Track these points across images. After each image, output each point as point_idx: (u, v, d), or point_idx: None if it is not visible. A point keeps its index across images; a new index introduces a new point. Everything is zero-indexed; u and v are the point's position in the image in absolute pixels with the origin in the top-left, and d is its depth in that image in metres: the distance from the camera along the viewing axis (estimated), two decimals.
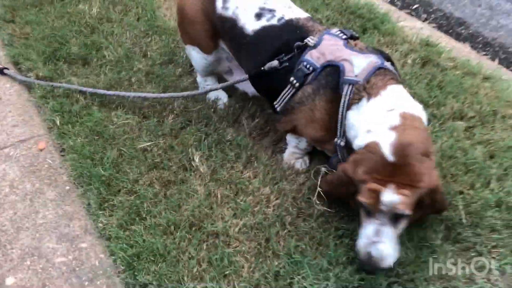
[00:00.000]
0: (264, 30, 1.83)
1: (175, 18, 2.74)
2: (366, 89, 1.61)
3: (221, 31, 1.98)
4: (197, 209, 1.75)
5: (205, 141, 2.01)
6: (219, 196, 1.81)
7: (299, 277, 1.55)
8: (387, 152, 1.45)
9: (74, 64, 2.45)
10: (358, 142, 1.57)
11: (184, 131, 2.06)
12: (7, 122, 2.26)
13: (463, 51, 2.74)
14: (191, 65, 2.40)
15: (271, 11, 1.84)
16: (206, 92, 2.16)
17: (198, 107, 2.17)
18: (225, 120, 2.12)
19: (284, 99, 1.78)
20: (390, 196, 1.43)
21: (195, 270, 1.59)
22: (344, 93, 1.62)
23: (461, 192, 1.83)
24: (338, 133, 1.68)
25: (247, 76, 1.91)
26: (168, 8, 2.89)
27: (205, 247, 1.66)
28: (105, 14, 2.79)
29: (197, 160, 1.93)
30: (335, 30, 1.80)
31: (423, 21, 3.15)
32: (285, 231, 1.69)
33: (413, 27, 2.85)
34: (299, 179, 1.87)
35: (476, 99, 2.26)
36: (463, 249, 1.67)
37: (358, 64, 1.64)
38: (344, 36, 1.76)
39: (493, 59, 2.84)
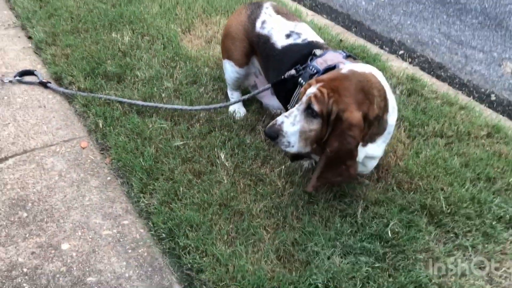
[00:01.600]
0: (290, 46, 2.31)
1: (197, 48, 3.26)
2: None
3: (256, 47, 2.45)
4: (225, 193, 2.14)
5: (228, 142, 2.43)
6: (242, 184, 2.21)
7: (312, 243, 1.94)
8: (347, 71, 1.91)
9: (111, 80, 2.89)
10: None
11: (210, 134, 2.49)
12: (52, 125, 2.66)
13: (443, 87, 3.28)
14: (213, 84, 2.87)
15: (298, 33, 2.34)
16: (231, 104, 2.60)
17: (220, 117, 2.61)
18: (243, 128, 2.55)
19: (294, 99, 2.19)
20: (312, 89, 1.87)
21: (226, 237, 1.97)
22: None
23: (442, 189, 2.26)
24: None
25: (269, 85, 2.37)
26: (189, 41, 3.39)
27: (233, 222, 2.04)
28: (135, 42, 3.27)
29: (222, 157, 2.34)
30: (339, 51, 2.25)
31: (409, 63, 3.72)
32: (299, 211, 2.09)
33: (400, 66, 3.40)
34: (309, 175, 2.28)
35: (453, 122, 2.75)
36: (443, 231, 2.08)
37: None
38: (345, 54, 2.20)
39: (468, 96, 3.39)
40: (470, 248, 2.02)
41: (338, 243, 1.95)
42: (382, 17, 4.46)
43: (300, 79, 2.16)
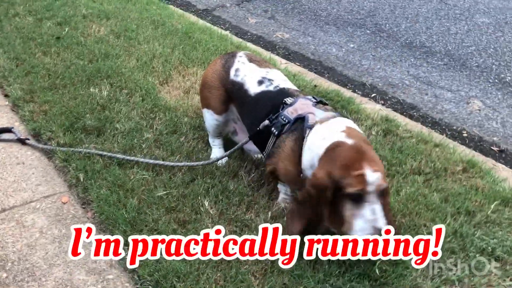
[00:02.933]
0: (262, 94, 2.41)
1: (175, 99, 3.33)
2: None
3: (231, 94, 2.55)
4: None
5: (212, 190, 2.45)
6: (227, 231, 2.22)
7: (301, 287, 1.94)
8: (351, 142, 1.91)
9: (91, 134, 2.91)
10: (319, 150, 1.98)
11: (193, 182, 2.51)
12: (31, 181, 2.64)
13: (416, 126, 3.42)
14: (194, 133, 2.93)
15: (270, 80, 2.45)
16: (217, 160, 2.62)
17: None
18: (226, 175, 2.59)
19: (269, 147, 2.29)
20: (372, 175, 1.81)
21: (214, 286, 1.95)
22: (306, 135, 2.10)
23: (424, 225, 2.32)
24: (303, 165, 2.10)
25: (247, 139, 2.46)
26: (167, 92, 3.47)
27: (220, 268, 2.03)
28: (113, 96, 3.33)
29: (206, 204, 2.36)
30: (309, 96, 2.35)
31: (381, 105, 3.87)
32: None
33: (374, 108, 3.53)
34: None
35: (430, 159, 2.86)
36: (429, 267, 2.12)
37: (319, 114, 2.17)
38: (315, 101, 2.29)
39: (441, 134, 3.53)
40: (456, 282, 2.05)
41: (327, 285, 1.96)
42: (352, 62, 4.67)
43: (272, 128, 2.25)
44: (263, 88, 2.42)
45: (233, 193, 2.44)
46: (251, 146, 2.61)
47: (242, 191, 2.46)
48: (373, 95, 4.10)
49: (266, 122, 2.29)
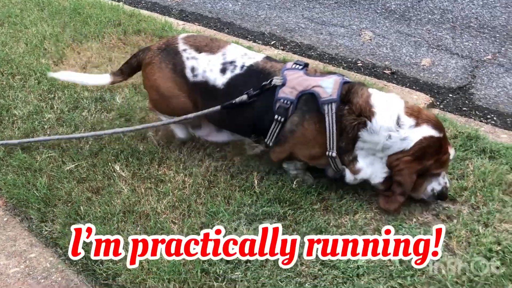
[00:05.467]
0: (232, 80, 2.20)
1: None
2: (359, 112, 2.02)
3: (195, 95, 2.30)
4: (127, 200, 2.21)
5: (121, 154, 2.50)
6: (142, 189, 2.30)
7: (218, 221, 2.08)
8: (437, 134, 2.02)
9: None
10: (396, 148, 2.02)
11: (101, 151, 2.53)
12: None
13: (313, 63, 3.61)
14: (96, 106, 2.92)
15: (231, 62, 2.22)
16: (163, 124, 2.45)
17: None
18: (134, 138, 2.64)
19: (274, 135, 2.14)
20: (452, 153, 2.10)
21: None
22: (326, 112, 2.00)
23: None
24: (329, 146, 2.05)
25: (218, 107, 2.21)
26: (64, 71, 3.39)
27: (140, 224, 2.12)
28: (6, 83, 3.21)
29: (118, 168, 2.41)
30: (290, 65, 2.18)
31: (282, 50, 4.03)
32: (201, 197, 2.23)
33: (273, 53, 3.68)
34: (205, 163, 2.42)
35: None
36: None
37: (327, 85, 2.04)
38: (300, 67, 2.15)
39: (338, 66, 3.76)
40: (359, 189, 2.28)
41: (242, 215, 2.12)
42: (250, 14, 4.77)
43: (276, 116, 2.10)
44: (229, 75, 2.22)
45: (143, 154, 2.50)
46: (218, 137, 2.49)
47: (152, 149, 2.53)
48: (273, 42, 4.24)
49: (245, 96, 2.13)
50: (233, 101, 2.15)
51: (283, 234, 2.03)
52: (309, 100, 2.05)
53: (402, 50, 3.97)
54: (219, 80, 2.23)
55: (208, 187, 2.29)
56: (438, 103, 3.32)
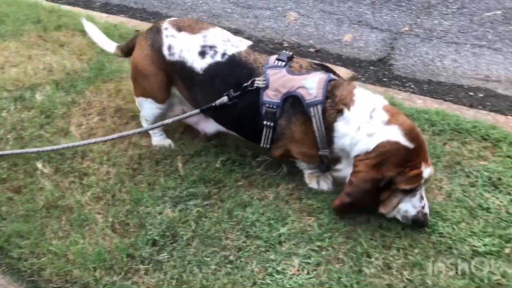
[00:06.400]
0: (212, 68, 2.11)
1: None
2: (339, 101, 1.94)
3: (173, 77, 2.24)
4: (50, 196, 2.20)
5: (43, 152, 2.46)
6: (66, 184, 2.29)
7: (142, 207, 2.11)
8: (406, 143, 1.84)
9: None
10: (362, 146, 1.89)
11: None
12: None
13: None
14: (15, 105, 2.85)
15: (212, 47, 2.13)
16: (143, 131, 2.39)
17: (31, 131, 2.62)
18: (56, 134, 2.60)
19: (267, 139, 2.10)
20: (428, 172, 1.88)
21: (60, 233, 2.04)
22: (312, 114, 1.94)
23: None
24: (320, 145, 2.00)
25: (197, 111, 2.19)
26: None
27: (64, 218, 2.11)
28: None
29: (40, 166, 2.37)
30: (273, 60, 2.07)
31: None
32: (125, 186, 2.25)
33: None
34: (129, 152, 2.44)
35: None
36: (257, 157, 2.41)
37: (310, 85, 1.96)
38: (283, 63, 2.05)
39: (264, 48, 3.84)
40: (282, 164, 2.37)
41: (166, 198, 2.16)
42: (176, 2, 4.76)
43: (265, 121, 2.05)
44: (209, 60, 2.13)
45: (66, 149, 2.47)
46: (208, 125, 2.43)
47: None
48: None
49: (225, 98, 2.07)
50: (213, 104, 2.09)
51: (208, 212, 2.09)
52: (294, 103, 1.99)
53: (326, 28, 4.09)
54: (198, 63, 2.14)
55: (133, 175, 2.31)
56: (360, 76, 3.47)
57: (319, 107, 1.94)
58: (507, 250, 1.89)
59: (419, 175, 1.86)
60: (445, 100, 3.16)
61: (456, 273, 1.81)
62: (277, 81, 2.01)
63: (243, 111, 2.10)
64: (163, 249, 1.95)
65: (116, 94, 2.95)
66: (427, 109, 2.77)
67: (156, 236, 1.98)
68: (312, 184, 2.25)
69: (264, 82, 2.02)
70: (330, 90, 1.97)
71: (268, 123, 2.04)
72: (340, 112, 1.94)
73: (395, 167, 1.85)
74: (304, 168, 2.25)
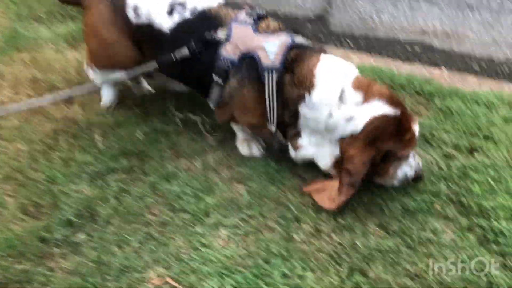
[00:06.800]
0: (180, 26, 1.91)
1: None
2: (299, 83, 1.76)
3: (141, 41, 2.02)
4: None
5: None
6: None
7: (56, 186, 1.94)
8: (393, 111, 1.74)
9: None
10: (344, 131, 1.76)
11: None
12: None
13: None
14: None
15: (181, 4, 1.93)
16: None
17: None
18: None
19: (213, 96, 1.93)
20: (417, 128, 1.81)
21: None
22: (266, 81, 1.76)
23: None
24: (270, 119, 1.84)
25: (154, 64, 1.98)
26: None
27: None
28: None
29: None
30: (242, 16, 1.88)
31: None
32: (38, 164, 2.06)
33: None
34: (43, 127, 2.24)
35: None
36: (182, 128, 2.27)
37: (271, 49, 1.77)
38: (253, 20, 1.85)
39: None
40: (212, 132, 2.24)
41: (83, 175, 1.99)
42: None
43: (215, 76, 1.86)
44: (176, 18, 1.92)
45: None
46: (175, 84, 2.27)
47: None
48: None
49: (186, 50, 1.88)
50: (172, 57, 1.90)
51: (130, 187, 1.95)
52: (250, 64, 1.79)
53: None
54: (166, 23, 1.93)
55: (46, 152, 2.12)
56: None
57: (274, 74, 1.76)
58: (437, 206, 1.87)
59: (413, 136, 1.79)
60: (382, 56, 3.11)
61: (387, 233, 1.78)
62: (239, 37, 1.82)
63: (202, 66, 1.90)
64: (81, 229, 1.81)
65: (32, 64, 2.69)
66: (362, 65, 2.69)
67: (71, 216, 1.82)
68: (243, 149, 2.12)
69: (226, 35, 1.84)
70: (291, 62, 1.78)
71: (218, 79, 1.86)
72: (301, 97, 1.77)
73: (390, 139, 1.75)
74: (239, 130, 2.09)
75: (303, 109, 1.79)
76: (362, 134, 1.73)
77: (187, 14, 1.92)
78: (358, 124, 1.73)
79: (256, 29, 1.84)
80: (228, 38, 1.83)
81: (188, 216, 1.85)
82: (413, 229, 1.78)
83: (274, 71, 1.75)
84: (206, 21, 1.90)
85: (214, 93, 1.91)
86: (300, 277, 1.63)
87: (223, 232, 1.79)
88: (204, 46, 1.86)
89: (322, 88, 1.75)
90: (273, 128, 1.88)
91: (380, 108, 1.73)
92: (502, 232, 1.74)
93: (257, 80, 1.79)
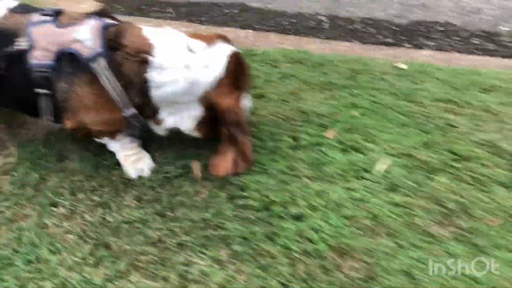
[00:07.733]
0: None
1: None
2: (135, 50, 1.63)
3: None
4: None
5: None
6: None
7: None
8: (237, 49, 1.74)
9: None
10: (207, 80, 1.66)
11: None
12: None
13: None
14: None
15: None
16: None
17: None
18: None
19: (46, 110, 1.76)
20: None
21: None
22: (98, 70, 1.62)
23: None
24: (122, 106, 1.69)
25: None
26: None
27: None
28: None
29: None
30: (36, 17, 1.72)
31: None
32: None
33: None
34: None
35: None
36: None
37: (84, 37, 1.63)
38: (50, 18, 1.70)
39: None
40: None
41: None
42: None
43: (37, 90, 1.69)
44: None
45: None
46: None
47: None
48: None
49: None
50: None
51: None
52: (72, 61, 1.62)
53: None
54: None
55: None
56: (118, 5, 3.27)
57: (102, 60, 1.61)
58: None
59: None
60: (202, 22, 3.11)
61: (140, 203, 1.81)
62: (44, 38, 1.65)
63: (18, 84, 1.73)
64: None
65: None
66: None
67: None
68: (130, 171, 1.91)
69: (28, 43, 1.65)
70: (114, 40, 1.64)
71: (42, 90, 1.69)
72: (144, 62, 1.63)
73: (243, 75, 1.76)
74: (116, 149, 1.92)
75: (152, 75, 1.64)
76: (226, 78, 1.69)
77: None
78: (217, 68, 1.67)
79: (59, 24, 1.68)
80: (32, 44, 1.66)
81: None
82: (165, 195, 1.82)
83: (100, 58, 1.62)
84: None
85: (45, 106, 1.74)
86: (46, 260, 1.64)
87: None
88: (9, 61, 1.69)
89: (163, 44, 1.65)
90: (132, 111, 1.72)
91: (227, 47, 1.72)
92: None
93: (86, 74, 1.63)
